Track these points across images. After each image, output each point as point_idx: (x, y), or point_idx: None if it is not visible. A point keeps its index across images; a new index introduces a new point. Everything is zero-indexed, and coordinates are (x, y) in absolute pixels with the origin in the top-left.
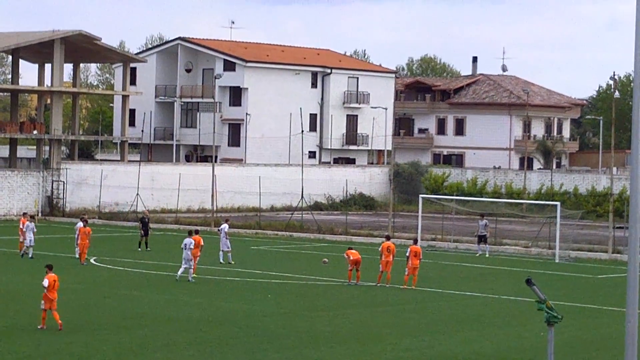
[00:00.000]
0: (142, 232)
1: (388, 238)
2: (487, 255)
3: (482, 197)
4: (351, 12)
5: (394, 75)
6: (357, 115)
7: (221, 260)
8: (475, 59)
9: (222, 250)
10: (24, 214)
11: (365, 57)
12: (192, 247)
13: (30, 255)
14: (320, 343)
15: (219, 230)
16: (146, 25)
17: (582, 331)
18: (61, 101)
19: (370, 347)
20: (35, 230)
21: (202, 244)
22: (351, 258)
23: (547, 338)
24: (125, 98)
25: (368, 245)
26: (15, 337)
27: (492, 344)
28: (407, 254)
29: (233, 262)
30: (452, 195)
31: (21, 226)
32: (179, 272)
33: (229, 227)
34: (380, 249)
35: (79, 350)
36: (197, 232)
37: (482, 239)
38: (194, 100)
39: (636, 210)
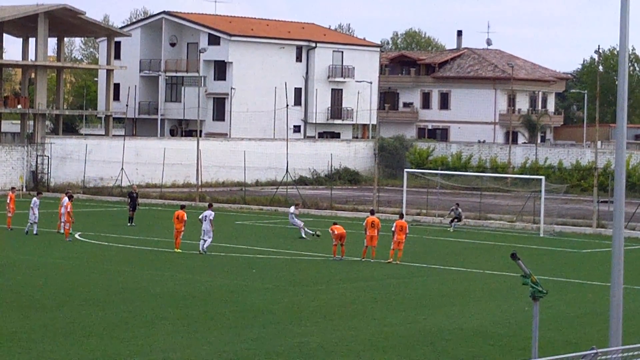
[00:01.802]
0: (130, 207)
1: (372, 213)
2: (451, 230)
3: (466, 171)
4: None
5: (378, 49)
6: (341, 90)
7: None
8: (460, 33)
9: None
10: (12, 188)
11: (350, 31)
12: (211, 218)
13: (35, 232)
14: (305, 318)
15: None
16: None
17: (567, 306)
18: (45, 75)
19: (355, 322)
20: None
21: (186, 219)
22: (336, 233)
23: (532, 313)
24: (109, 72)
25: (353, 219)
26: (1, 313)
27: (477, 319)
28: (393, 229)
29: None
30: (437, 170)
31: (8, 200)
32: (203, 246)
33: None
34: (364, 223)
35: (65, 325)
36: (183, 207)
37: (455, 220)
38: (179, 74)
39: (620, 184)
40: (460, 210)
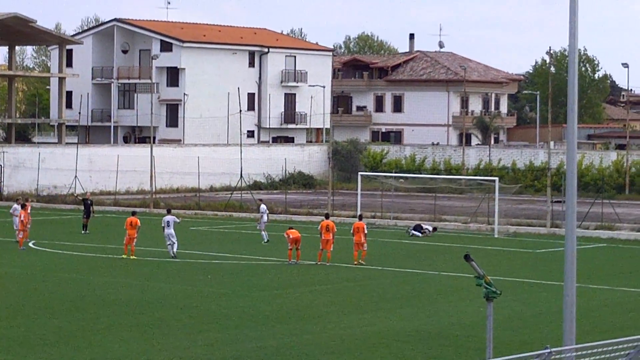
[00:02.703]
0: (84, 214)
1: (327, 216)
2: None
3: (420, 173)
4: None
5: (331, 53)
6: (295, 94)
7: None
8: (412, 36)
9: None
10: None
11: (303, 35)
12: (177, 221)
13: None
14: (261, 322)
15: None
16: (82, 6)
17: (521, 305)
18: None
19: (311, 326)
20: None
21: (139, 224)
22: (291, 237)
23: (486, 313)
24: (61, 80)
25: (308, 223)
26: None
27: (433, 320)
28: (352, 231)
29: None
30: (391, 172)
31: None
32: (173, 250)
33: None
34: (319, 227)
35: (20, 334)
36: (134, 213)
37: (418, 229)
38: (131, 81)
39: (572, 184)
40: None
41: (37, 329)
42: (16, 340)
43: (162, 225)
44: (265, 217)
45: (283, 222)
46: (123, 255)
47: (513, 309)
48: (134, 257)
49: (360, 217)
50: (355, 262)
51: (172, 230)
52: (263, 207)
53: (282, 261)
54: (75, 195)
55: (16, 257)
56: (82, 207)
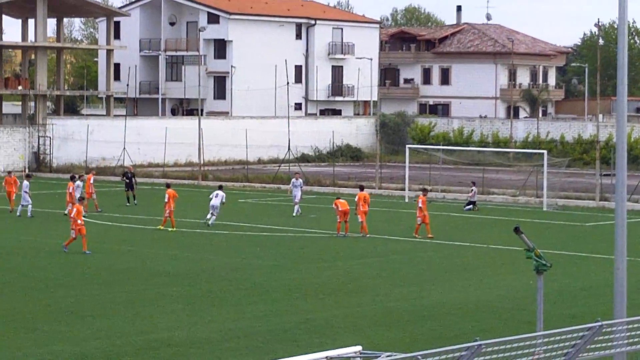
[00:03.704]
0: (126, 187)
1: (362, 188)
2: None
3: (468, 146)
4: None
5: (378, 25)
6: (342, 66)
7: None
8: (459, 8)
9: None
10: (9, 172)
11: (349, 7)
12: (223, 201)
13: (26, 214)
14: (309, 295)
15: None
16: None
17: (571, 279)
18: (45, 56)
19: (359, 298)
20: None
21: (177, 196)
22: (340, 209)
23: (537, 286)
24: (109, 52)
25: (356, 196)
26: (5, 293)
27: (481, 293)
28: (420, 204)
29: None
30: (439, 145)
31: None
32: (210, 220)
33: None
34: (356, 199)
35: (69, 305)
36: (168, 185)
37: (470, 204)
38: (179, 53)
39: (622, 157)
40: (475, 189)
41: (86, 300)
42: (65, 311)
43: (210, 197)
44: (298, 192)
45: (331, 194)
46: (160, 227)
47: (562, 283)
48: (174, 229)
49: (425, 191)
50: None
51: (217, 203)
52: (299, 181)
53: (331, 233)
54: (124, 167)
55: (65, 229)
56: (124, 180)
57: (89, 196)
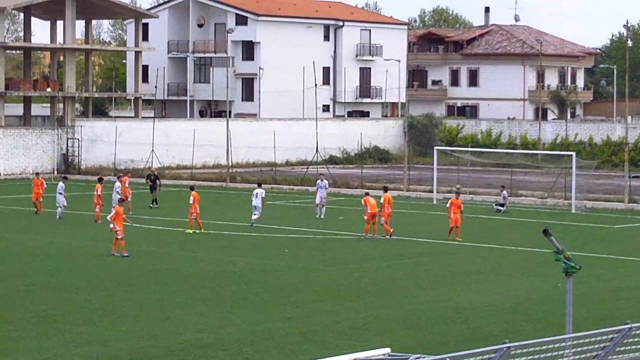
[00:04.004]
0: (150, 189)
1: (386, 190)
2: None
3: (496, 148)
4: None
5: (406, 27)
6: (370, 68)
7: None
8: (487, 10)
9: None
10: (37, 174)
11: (377, 9)
12: (263, 196)
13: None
14: (338, 297)
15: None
16: None
17: (599, 281)
18: (74, 58)
19: (388, 300)
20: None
21: (199, 198)
22: (369, 210)
23: (566, 288)
24: (137, 54)
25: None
26: (35, 295)
27: (510, 295)
28: (448, 205)
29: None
30: (467, 147)
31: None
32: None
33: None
34: (382, 201)
35: (98, 306)
36: (192, 188)
37: (502, 206)
38: (207, 55)
39: None
40: (505, 193)
41: (116, 301)
42: (95, 313)
43: (252, 197)
44: (322, 193)
45: (359, 196)
46: (188, 231)
47: (591, 285)
48: (200, 230)
49: (458, 194)
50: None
51: (259, 203)
52: (324, 182)
53: (359, 235)
54: (152, 169)
55: (94, 231)
56: (148, 182)
57: (125, 198)
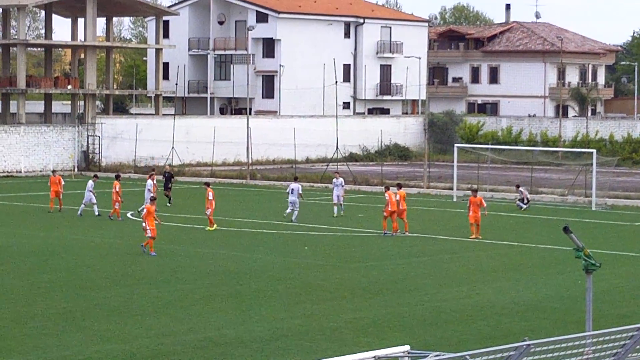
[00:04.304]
0: (164, 187)
1: (400, 186)
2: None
3: (517, 145)
4: None
5: (426, 24)
6: (390, 65)
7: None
8: (508, 7)
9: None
10: (53, 171)
11: (398, 6)
12: (300, 191)
13: (97, 213)
14: (357, 294)
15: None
16: None
17: (620, 279)
18: (95, 56)
19: (407, 298)
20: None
21: (213, 193)
22: (389, 208)
23: (586, 286)
24: (158, 51)
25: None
26: (56, 292)
27: (530, 293)
28: (468, 204)
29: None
30: (487, 144)
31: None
32: (293, 217)
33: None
34: (397, 198)
35: (119, 304)
36: (208, 184)
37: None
38: (227, 52)
39: None
40: (522, 190)
41: (136, 298)
42: (115, 310)
43: (287, 191)
44: (339, 191)
45: (379, 193)
46: (208, 228)
47: (611, 282)
48: (214, 227)
49: (475, 192)
50: (478, 236)
51: (295, 198)
52: (339, 180)
53: (378, 233)
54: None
55: (115, 228)
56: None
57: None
